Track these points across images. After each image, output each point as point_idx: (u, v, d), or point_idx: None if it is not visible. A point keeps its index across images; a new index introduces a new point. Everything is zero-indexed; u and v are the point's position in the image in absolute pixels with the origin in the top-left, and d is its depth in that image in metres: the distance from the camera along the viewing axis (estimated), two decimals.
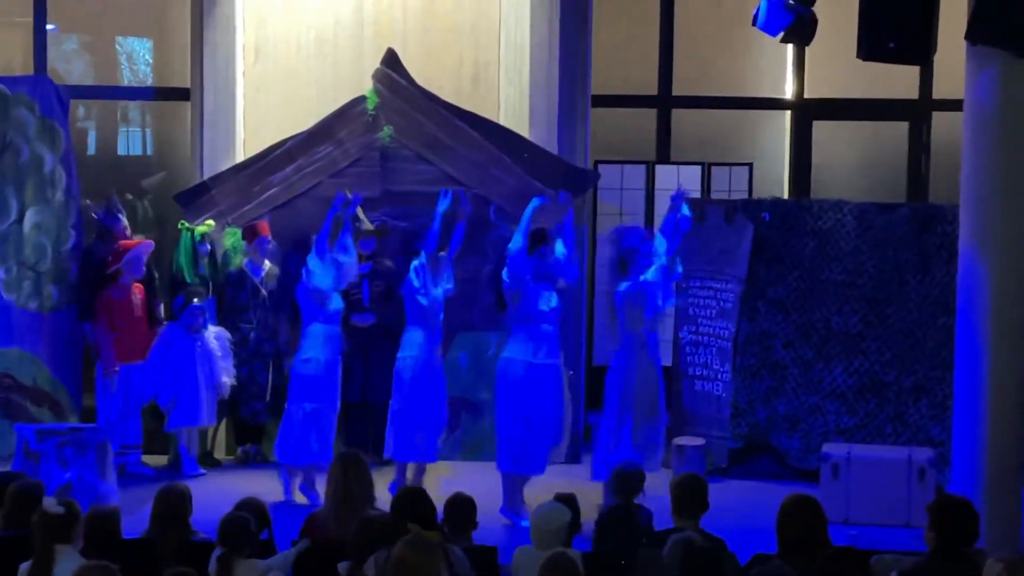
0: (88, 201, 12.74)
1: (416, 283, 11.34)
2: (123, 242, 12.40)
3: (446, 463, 12.45)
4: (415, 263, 11.37)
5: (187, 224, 12.73)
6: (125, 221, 12.65)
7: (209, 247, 12.74)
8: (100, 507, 8.08)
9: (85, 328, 12.52)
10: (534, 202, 11.14)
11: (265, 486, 11.17)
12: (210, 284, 12.69)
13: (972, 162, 9.46)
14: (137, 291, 12.46)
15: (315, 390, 11.50)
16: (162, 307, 12.67)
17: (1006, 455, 9.44)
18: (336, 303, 11.65)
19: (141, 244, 12.45)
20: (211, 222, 12.83)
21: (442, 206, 11.35)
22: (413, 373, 11.41)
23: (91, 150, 14.74)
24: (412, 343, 11.47)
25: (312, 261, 11.50)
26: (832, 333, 12.13)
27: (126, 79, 14.64)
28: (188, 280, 12.56)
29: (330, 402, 11.62)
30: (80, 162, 13.34)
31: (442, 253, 11.47)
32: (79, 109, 14.54)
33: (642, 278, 10.96)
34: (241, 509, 7.72)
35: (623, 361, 11.05)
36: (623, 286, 11.03)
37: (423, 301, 11.36)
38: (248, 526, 7.45)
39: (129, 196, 12.66)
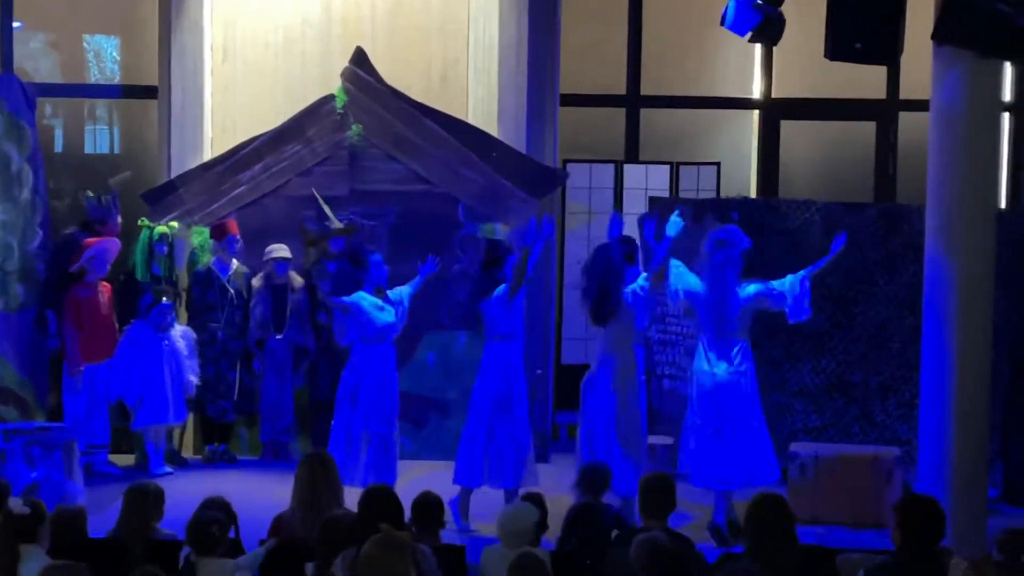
0: (90, 192, 12.66)
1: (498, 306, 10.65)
2: (87, 240, 12.34)
3: (412, 462, 12.45)
4: (499, 290, 10.59)
5: (147, 222, 12.68)
6: (120, 218, 12.58)
7: (167, 248, 12.67)
8: (66, 507, 8.04)
9: (49, 317, 12.41)
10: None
11: (233, 485, 11.15)
12: (161, 283, 12.59)
13: (938, 162, 9.49)
14: (104, 290, 12.40)
15: None
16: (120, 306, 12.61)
17: (972, 454, 9.48)
18: None
19: (103, 241, 12.38)
20: (174, 223, 12.79)
21: (537, 244, 10.57)
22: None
23: (58, 148, 14.68)
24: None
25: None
26: (799, 333, 12.15)
27: (93, 77, 14.59)
28: (139, 278, 12.50)
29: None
30: (47, 160, 13.29)
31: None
32: (46, 107, 14.48)
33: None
34: (208, 508, 7.71)
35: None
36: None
37: (504, 327, 10.72)
38: (216, 525, 7.44)
39: (90, 194, 12.57)
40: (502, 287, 10.55)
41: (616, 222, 10.70)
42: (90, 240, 12.33)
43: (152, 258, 12.59)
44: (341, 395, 11.05)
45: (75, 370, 12.24)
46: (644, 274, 10.41)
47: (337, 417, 11.05)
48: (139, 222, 12.69)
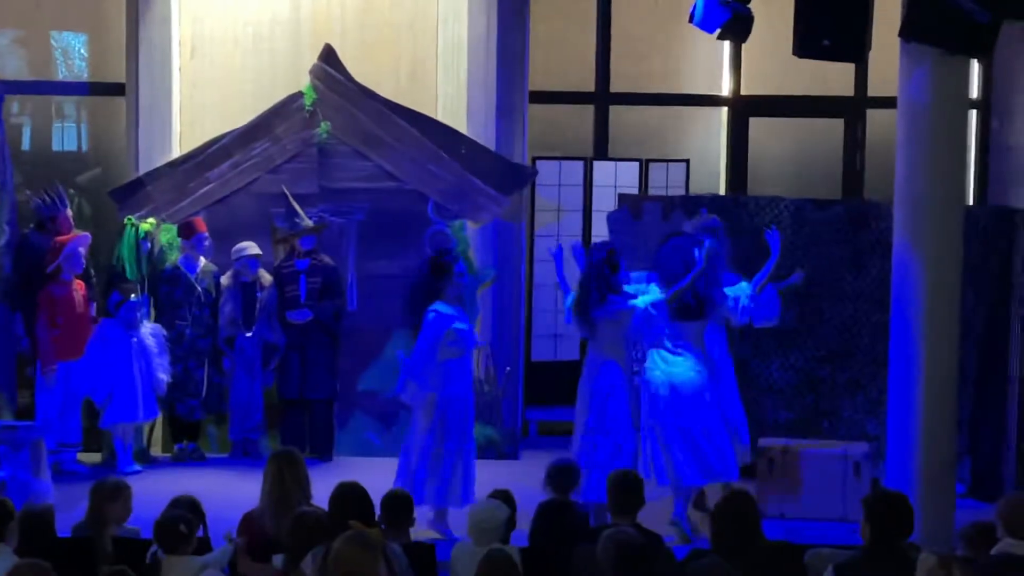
0: (29, 191, 12.62)
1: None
2: (59, 238, 12.29)
3: (382, 459, 12.44)
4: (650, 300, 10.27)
5: (132, 219, 12.65)
6: (70, 212, 12.53)
7: (150, 245, 12.66)
8: (34, 505, 8.01)
9: (16, 319, 12.38)
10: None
11: (201, 483, 11.13)
12: (145, 281, 12.58)
13: (906, 159, 9.52)
14: (79, 287, 12.36)
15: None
16: (95, 304, 12.57)
17: (940, 450, 9.51)
18: None
19: (77, 237, 12.35)
20: (153, 220, 12.76)
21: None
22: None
23: (25, 145, 14.62)
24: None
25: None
26: (768, 329, 12.16)
27: (61, 74, 14.53)
28: (129, 276, 12.47)
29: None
30: (14, 157, 13.22)
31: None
32: (13, 104, 14.40)
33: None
34: (176, 506, 7.70)
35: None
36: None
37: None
38: (184, 523, 7.42)
39: (28, 192, 12.54)
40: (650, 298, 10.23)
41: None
42: (64, 238, 12.28)
43: (140, 255, 12.57)
44: (419, 410, 10.58)
45: (48, 368, 12.19)
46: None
47: (411, 436, 10.63)
48: (124, 220, 12.65)
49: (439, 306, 10.30)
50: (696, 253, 10.21)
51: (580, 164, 14.38)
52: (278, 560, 7.08)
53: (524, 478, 10.94)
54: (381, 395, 12.65)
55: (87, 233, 12.51)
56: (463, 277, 10.58)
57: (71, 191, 12.97)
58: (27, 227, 12.66)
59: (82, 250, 12.30)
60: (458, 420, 10.39)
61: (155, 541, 7.38)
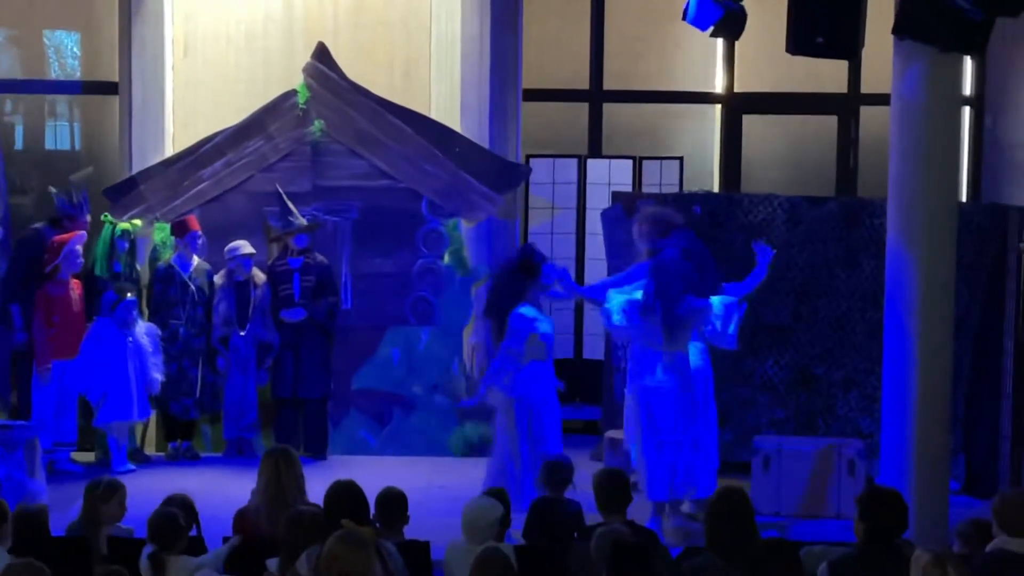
0: (54, 189, 12.58)
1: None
2: (57, 237, 12.28)
3: (376, 458, 12.46)
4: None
5: (110, 218, 12.62)
6: (88, 217, 12.51)
7: (128, 245, 12.62)
8: (29, 505, 8.01)
9: (13, 311, 12.35)
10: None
11: (196, 482, 11.13)
12: (121, 279, 12.52)
13: (900, 155, 9.52)
14: (75, 286, 12.35)
15: None
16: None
17: (934, 446, 9.52)
18: None
19: (75, 236, 12.33)
20: (137, 221, 12.74)
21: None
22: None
23: (18, 145, 14.59)
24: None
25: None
26: (762, 326, 12.18)
27: (54, 73, 14.51)
28: (98, 273, 12.43)
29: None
30: (7, 157, 13.21)
31: None
32: (6, 103, 14.41)
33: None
34: (169, 505, 7.68)
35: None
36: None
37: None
38: (178, 522, 7.41)
39: (53, 190, 12.52)
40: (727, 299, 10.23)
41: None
42: (62, 237, 12.25)
43: (113, 254, 12.53)
44: (506, 416, 10.64)
45: (43, 367, 12.18)
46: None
47: (499, 439, 10.68)
48: (102, 217, 12.63)
49: (525, 309, 10.40)
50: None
51: (574, 162, 14.38)
52: (272, 564, 7.05)
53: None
54: (376, 393, 12.66)
55: (83, 232, 12.49)
56: (548, 278, 10.60)
57: (54, 191, 12.91)
58: (34, 224, 12.64)
59: (78, 247, 12.29)
60: (552, 421, 10.52)
61: (150, 540, 7.36)
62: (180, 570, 7.27)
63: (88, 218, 12.48)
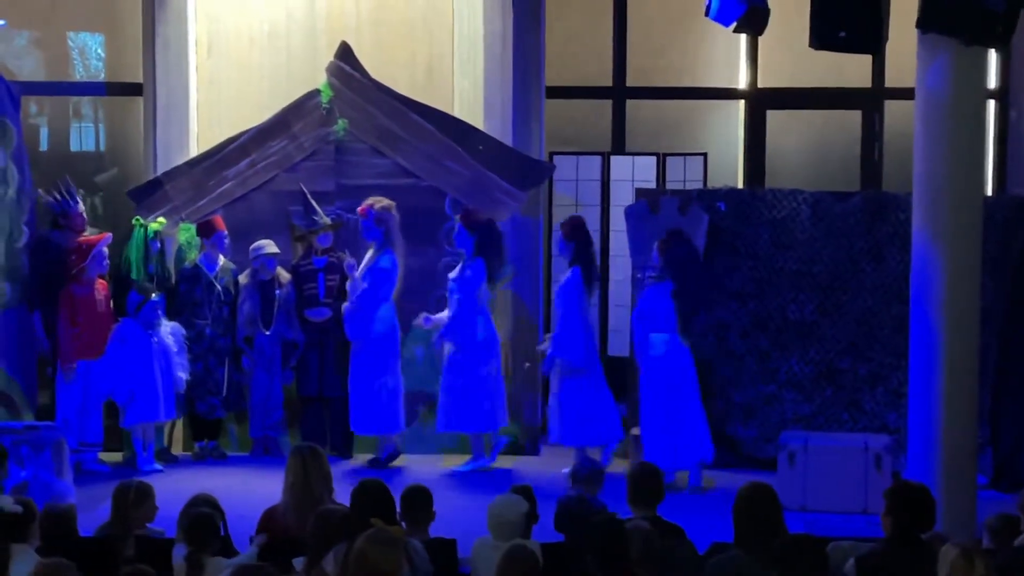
0: (40, 190, 12.64)
1: None
2: (83, 238, 12.31)
3: (401, 456, 12.46)
4: None
5: (141, 220, 12.66)
6: (82, 206, 12.55)
7: (160, 245, 12.67)
8: (56, 505, 8.02)
9: (35, 319, 12.41)
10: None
11: (223, 481, 11.15)
12: (155, 281, 12.54)
13: (924, 149, 9.49)
14: (101, 287, 12.39)
15: None
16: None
17: (961, 441, 9.49)
18: None
19: (103, 239, 12.37)
20: (163, 219, 12.77)
21: None
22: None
23: (43, 146, 14.64)
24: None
25: None
26: (788, 322, 12.17)
27: (78, 74, 14.56)
28: (134, 276, 12.47)
29: None
30: (32, 158, 13.23)
31: None
32: (31, 105, 14.44)
33: None
34: (195, 506, 7.67)
35: None
36: None
37: None
38: (214, 523, 7.41)
39: (42, 192, 12.56)
40: None
41: None
42: (89, 238, 12.30)
43: (148, 256, 12.58)
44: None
45: (68, 367, 12.22)
46: None
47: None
48: (132, 220, 12.67)
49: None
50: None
51: (597, 159, 14.36)
52: (299, 564, 7.06)
53: (545, 473, 10.98)
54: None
55: (109, 233, 12.52)
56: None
57: (81, 191, 12.94)
58: (45, 226, 12.69)
59: (105, 250, 12.34)
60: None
61: (186, 541, 7.33)
62: (215, 571, 7.27)
63: (81, 208, 12.50)
